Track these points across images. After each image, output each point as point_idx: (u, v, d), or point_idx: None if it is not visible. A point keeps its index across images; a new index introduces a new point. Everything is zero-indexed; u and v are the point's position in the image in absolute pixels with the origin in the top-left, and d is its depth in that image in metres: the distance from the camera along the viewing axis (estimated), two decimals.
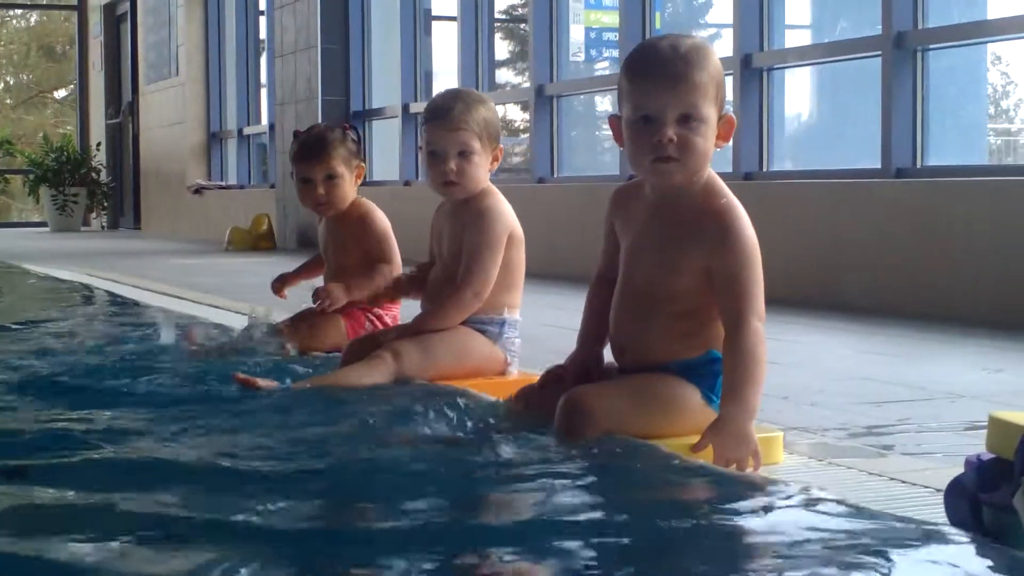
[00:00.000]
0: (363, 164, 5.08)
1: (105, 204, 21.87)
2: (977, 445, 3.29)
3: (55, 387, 4.01)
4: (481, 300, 4.07)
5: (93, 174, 21.43)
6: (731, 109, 3.08)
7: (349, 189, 4.98)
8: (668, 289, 3.09)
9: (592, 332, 3.30)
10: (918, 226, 6.52)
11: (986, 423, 3.58)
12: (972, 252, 6.20)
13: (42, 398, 3.85)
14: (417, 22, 12.80)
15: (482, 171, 4.12)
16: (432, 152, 4.11)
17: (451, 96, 4.19)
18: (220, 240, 15.10)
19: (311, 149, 4.97)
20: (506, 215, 4.13)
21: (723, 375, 2.99)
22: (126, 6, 21.70)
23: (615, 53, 13.25)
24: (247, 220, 14.78)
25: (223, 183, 17.80)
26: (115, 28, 22.50)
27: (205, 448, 3.14)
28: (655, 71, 3.00)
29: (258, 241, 14.23)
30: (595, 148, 13.11)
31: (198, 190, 17.69)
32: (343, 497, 2.73)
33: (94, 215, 22.29)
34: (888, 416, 3.74)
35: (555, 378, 3.30)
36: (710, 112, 3.00)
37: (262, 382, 3.88)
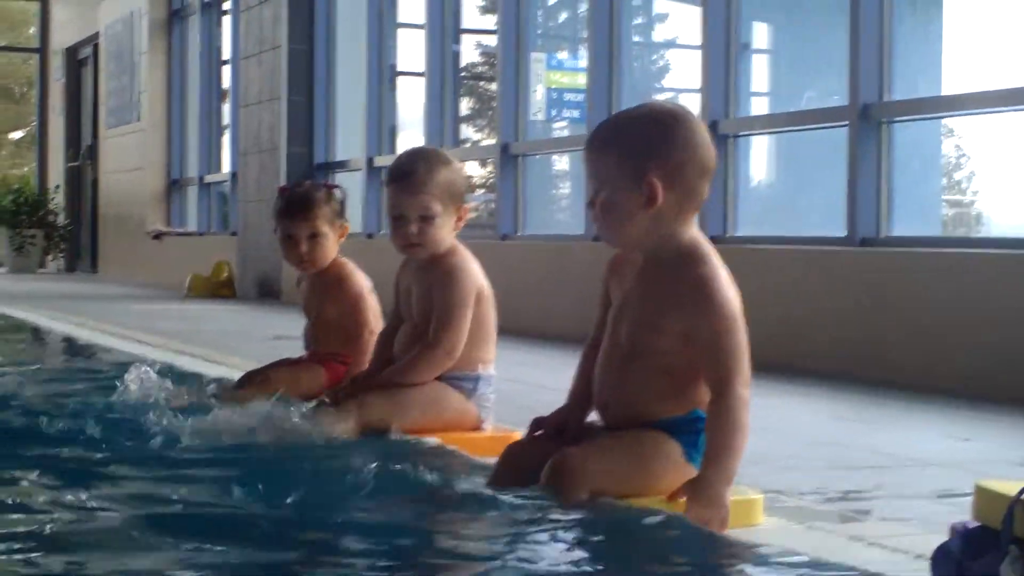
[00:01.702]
0: (347, 224, 5.11)
1: (62, 247, 21.80)
2: (951, 512, 3.36)
3: (21, 433, 4.00)
4: (454, 359, 4.11)
5: (51, 216, 21.36)
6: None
7: (331, 248, 5.01)
8: (649, 346, 3.14)
9: (580, 392, 3.35)
10: (882, 294, 6.61)
11: (959, 492, 3.67)
12: (934, 321, 6.28)
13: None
14: (383, 77, 12.88)
15: (444, 232, 4.16)
16: (395, 216, 4.15)
17: (413, 158, 4.23)
18: (178, 286, 15.07)
19: (296, 207, 4.99)
20: (473, 272, 4.18)
21: (706, 437, 3.04)
22: (88, 51, 21.71)
23: (575, 113, 13.38)
24: (206, 267, 14.77)
25: (183, 230, 17.79)
26: (76, 72, 22.48)
27: (149, 500, 3.14)
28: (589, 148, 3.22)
29: (218, 288, 14.23)
30: (551, 207, 13.19)
31: (157, 235, 17.67)
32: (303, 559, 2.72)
33: (50, 257, 22.21)
34: (862, 482, 3.80)
35: (535, 428, 3.36)
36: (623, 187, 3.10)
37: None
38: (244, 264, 14.36)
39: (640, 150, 3.12)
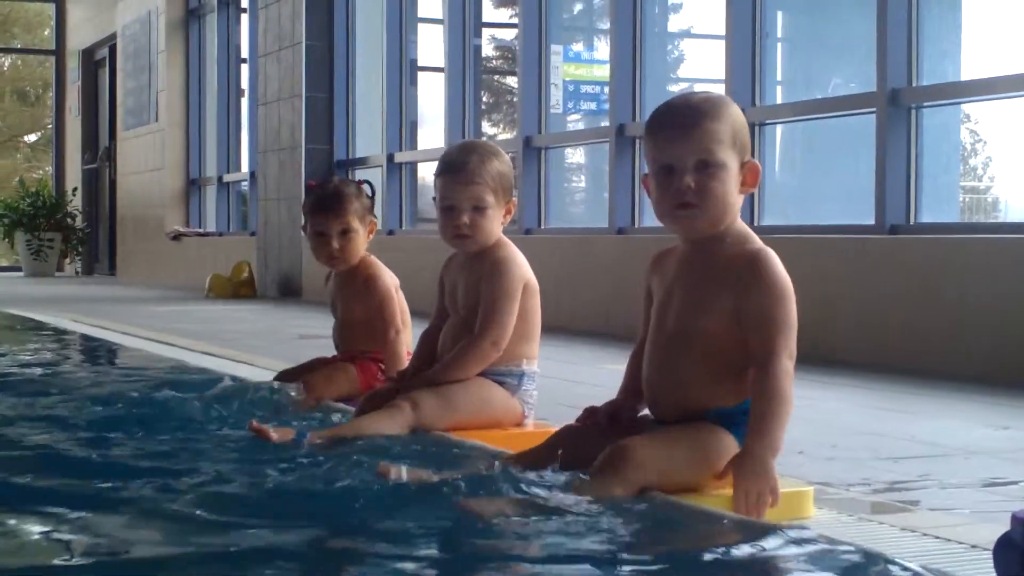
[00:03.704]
0: (376, 220, 5.09)
1: (80, 250, 21.84)
2: (1001, 502, 3.34)
3: (70, 435, 3.98)
4: (500, 350, 4.07)
5: (68, 219, 21.38)
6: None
7: (361, 244, 4.98)
8: (696, 330, 3.12)
9: (630, 386, 3.34)
10: (912, 283, 6.57)
11: (1006, 480, 3.64)
12: (966, 309, 6.25)
13: (55, 446, 3.84)
14: (403, 72, 12.86)
15: (495, 224, 4.14)
16: (446, 206, 4.12)
17: (466, 149, 4.20)
18: (198, 287, 15.09)
19: (327, 203, 4.97)
20: (521, 265, 4.15)
21: (751, 410, 3.01)
22: (104, 52, 21.73)
23: (592, 106, 13.35)
24: (226, 267, 14.78)
25: (202, 230, 17.79)
26: (93, 73, 22.51)
27: (209, 500, 3.12)
28: (669, 122, 3.13)
29: (239, 288, 14.23)
30: (565, 200, 13.17)
31: (176, 236, 17.68)
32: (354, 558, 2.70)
33: (68, 260, 22.25)
34: (907, 472, 3.77)
35: (587, 418, 3.34)
36: (727, 157, 3.06)
37: (275, 433, 3.87)
38: (264, 263, 14.36)
39: (741, 132, 3.11)
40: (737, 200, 3.12)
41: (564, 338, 8.10)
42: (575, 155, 13.05)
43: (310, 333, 8.56)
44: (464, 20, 11.85)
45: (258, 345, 7.88)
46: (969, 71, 7.46)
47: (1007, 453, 4.16)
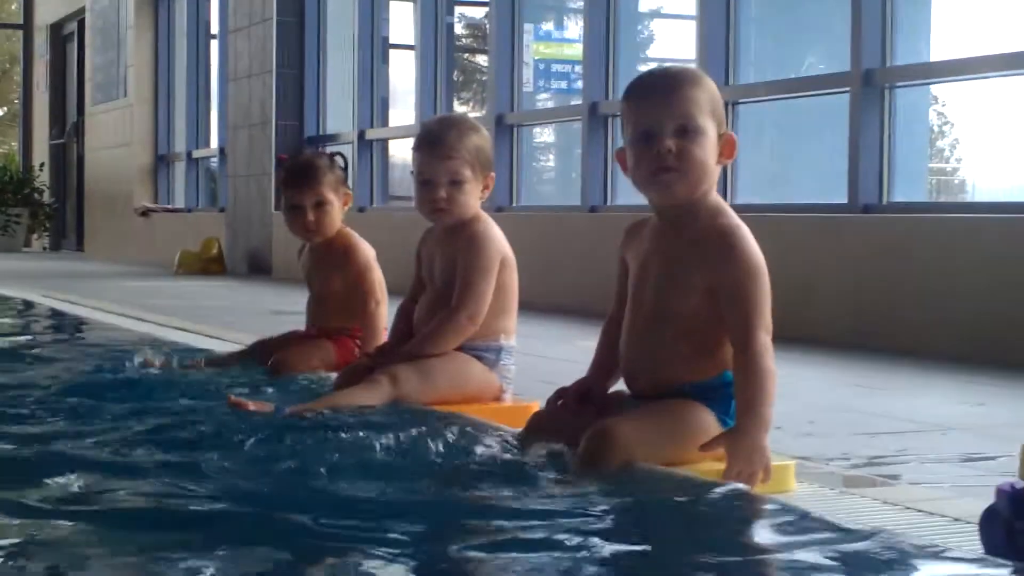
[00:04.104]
0: (350, 192, 5.07)
1: (47, 225, 21.73)
2: (980, 476, 3.37)
3: (50, 410, 3.96)
4: (476, 324, 4.07)
5: (36, 194, 21.27)
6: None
7: (337, 216, 4.96)
8: (675, 307, 3.13)
9: (602, 363, 3.34)
10: (886, 261, 6.59)
11: (984, 455, 3.67)
12: (940, 288, 6.27)
13: (33, 420, 3.83)
14: (375, 49, 12.82)
15: (472, 198, 4.13)
16: (424, 180, 4.11)
17: (444, 123, 4.19)
18: (167, 263, 15.03)
19: (300, 175, 4.94)
20: (498, 239, 4.14)
21: (736, 390, 3.02)
22: (73, 26, 21.60)
23: (563, 84, 13.34)
24: (195, 243, 14.72)
25: (171, 206, 17.72)
26: (61, 48, 22.39)
27: (190, 472, 3.11)
28: (650, 89, 3.16)
29: (208, 265, 14.19)
30: (533, 179, 13.18)
31: (145, 212, 17.60)
32: (337, 530, 2.69)
33: (36, 236, 22.13)
34: (885, 447, 3.79)
35: (557, 398, 3.34)
36: (707, 124, 3.07)
37: (254, 405, 3.86)
38: (234, 239, 14.32)
39: (718, 104, 3.12)
40: (715, 170, 3.12)
41: (536, 315, 8.10)
42: (543, 134, 13.04)
43: (283, 309, 8.54)
44: None
45: (232, 321, 7.86)
46: (938, 52, 7.48)
47: (983, 429, 4.18)
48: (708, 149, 3.08)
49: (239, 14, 14.25)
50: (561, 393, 3.35)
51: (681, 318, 3.12)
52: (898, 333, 6.44)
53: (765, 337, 3.03)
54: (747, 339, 3.01)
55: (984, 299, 6.06)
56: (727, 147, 3.12)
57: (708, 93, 3.10)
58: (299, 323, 5.24)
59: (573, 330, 7.42)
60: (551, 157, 14.20)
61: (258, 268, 13.74)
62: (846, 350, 6.36)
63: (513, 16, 10.73)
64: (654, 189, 3.13)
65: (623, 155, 3.18)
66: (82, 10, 20.51)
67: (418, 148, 4.13)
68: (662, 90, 3.10)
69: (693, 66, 3.26)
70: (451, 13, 12.29)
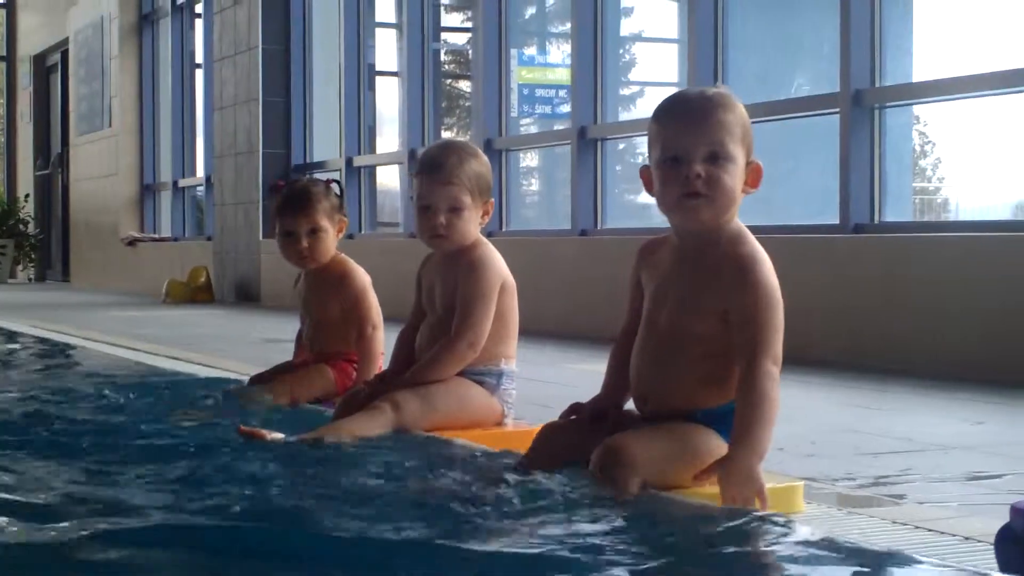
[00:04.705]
0: (345, 218, 5.07)
1: (32, 256, 21.69)
2: (987, 494, 3.37)
3: (51, 445, 3.93)
4: (476, 351, 4.07)
5: (21, 225, 21.24)
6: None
7: (331, 243, 4.96)
8: (689, 332, 3.12)
9: (614, 382, 3.32)
10: (879, 281, 6.61)
11: (988, 474, 3.67)
12: (934, 307, 6.28)
13: (33, 456, 3.80)
14: (361, 76, 12.83)
15: (472, 225, 4.13)
16: (423, 206, 4.11)
17: (444, 149, 4.19)
18: (154, 293, 15.00)
19: (295, 202, 4.94)
20: (498, 265, 4.15)
21: (735, 414, 3.01)
22: (56, 57, 21.60)
23: (547, 109, 13.37)
24: (182, 273, 14.71)
25: (157, 235, 17.70)
26: (45, 79, 22.37)
27: (209, 504, 3.10)
28: (683, 112, 3.11)
29: (196, 294, 14.16)
30: (516, 203, 13.21)
31: (132, 242, 17.57)
32: (343, 558, 2.67)
33: (21, 267, 22.08)
34: (889, 467, 3.78)
35: (571, 413, 3.33)
36: (737, 152, 3.05)
37: (268, 434, 3.85)
38: (222, 268, 14.30)
39: (749, 130, 3.10)
40: (739, 197, 3.11)
41: (527, 340, 8.06)
42: (527, 159, 13.06)
43: (275, 337, 8.53)
44: (423, 24, 11.84)
45: (224, 349, 7.85)
46: (920, 72, 7.50)
47: (986, 448, 4.18)
48: (736, 177, 3.07)
49: (224, 43, 14.26)
50: (575, 409, 3.34)
51: (696, 343, 3.11)
52: (892, 353, 6.45)
53: (771, 366, 3.02)
54: (753, 366, 3.00)
55: (978, 318, 6.07)
56: (753, 175, 3.11)
57: (740, 119, 3.08)
58: (291, 351, 5.22)
59: (565, 353, 7.42)
60: (533, 181, 14.23)
61: (246, 296, 13.72)
62: (840, 370, 6.36)
63: (500, 41, 10.75)
64: (680, 214, 3.12)
65: (648, 174, 3.17)
66: (65, 41, 20.51)
67: (418, 174, 4.13)
68: (695, 114, 3.07)
69: (724, 88, 3.22)
70: (437, 39, 12.31)
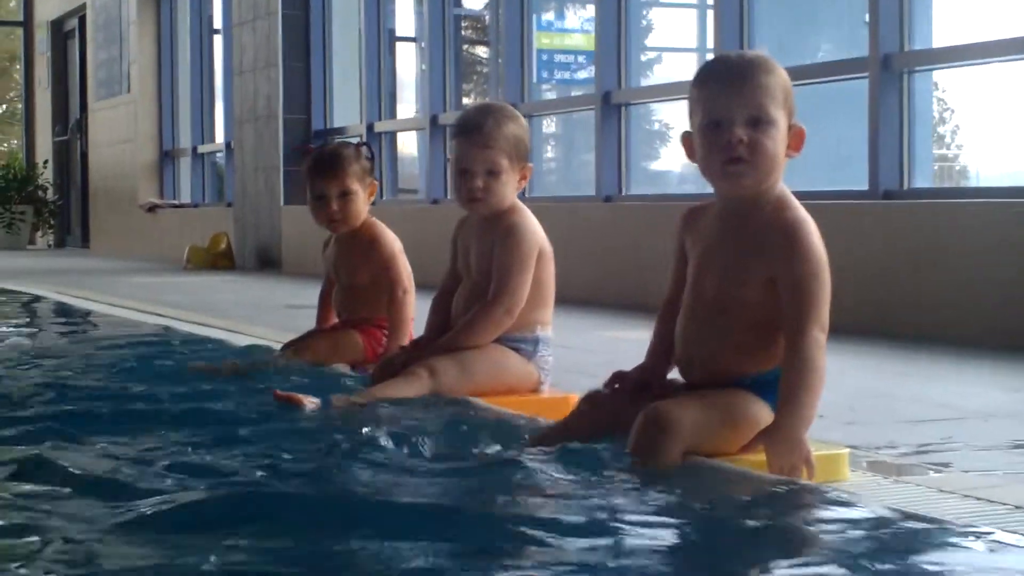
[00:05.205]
0: (376, 182, 5.04)
1: (52, 222, 21.69)
2: None
3: (86, 411, 3.91)
4: (513, 317, 4.05)
5: (40, 192, 21.24)
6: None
7: (362, 206, 4.93)
8: (737, 299, 3.09)
9: (660, 349, 3.29)
10: (908, 248, 6.56)
11: None
12: (965, 274, 6.24)
13: (69, 419, 3.78)
14: (381, 42, 12.78)
15: (509, 188, 4.10)
16: (460, 169, 4.08)
17: (482, 111, 4.15)
18: (174, 259, 14.99)
19: (325, 165, 4.91)
20: (535, 231, 4.12)
21: (781, 382, 2.98)
22: (74, 23, 21.54)
23: (566, 75, 13.32)
24: (202, 239, 14.69)
25: (177, 201, 17.68)
26: (62, 44, 22.32)
27: (246, 465, 3.09)
28: (723, 76, 3.08)
29: (217, 260, 14.15)
30: (538, 169, 13.18)
31: (151, 208, 17.56)
32: (376, 524, 2.64)
33: (40, 233, 22.09)
34: (930, 435, 3.75)
35: (614, 381, 3.30)
36: (779, 116, 3.02)
37: (305, 399, 3.83)
38: (242, 234, 14.27)
39: (790, 94, 3.07)
40: (783, 162, 3.08)
41: (556, 307, 8.07)
42: (546, 125, 13.02)
43: (297, 303, 8.51)
44: None
45: (249, 315, 7.83)
46: (940, 39, 7.42)
47: None
48: (779, 141, 3.03)
49: (244, 8, 14.20)
50: (618, 377, 3.30)
51: (743, 308, 3.08)
52: (923, 320, 6.40)
53: (819, 334, 3.00)
54: (800, 333, 2.98)
55: (1011, 284, 6.02)
56: (795, 139, 3.08)
57: (781, 82, 3.05)
58: (314, 316, 5.19)
59: (594, 320, 7.39)
60: (548, 148, 14.17)
61: (267, 263, 13.70)
62: (872, 337, 6.32)
63: (522, 7, 10.69)
64: (723, 179, 3.08)
65: (689, 140, 3.13)
66: (83, 6, 20.45)
67: (455, 136, 4.10)
68: (736, 78, 3.03)
69: (764, 52, 3.17)
70: (459, 5, 12.25)
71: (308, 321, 5.35)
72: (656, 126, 13.31)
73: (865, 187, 7.18)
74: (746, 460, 2.98)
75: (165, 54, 18.04)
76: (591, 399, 3.33)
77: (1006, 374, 5.14)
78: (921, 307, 6.44)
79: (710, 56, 8.59)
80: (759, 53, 3.11)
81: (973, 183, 9.73)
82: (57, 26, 22.34)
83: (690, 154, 3.14)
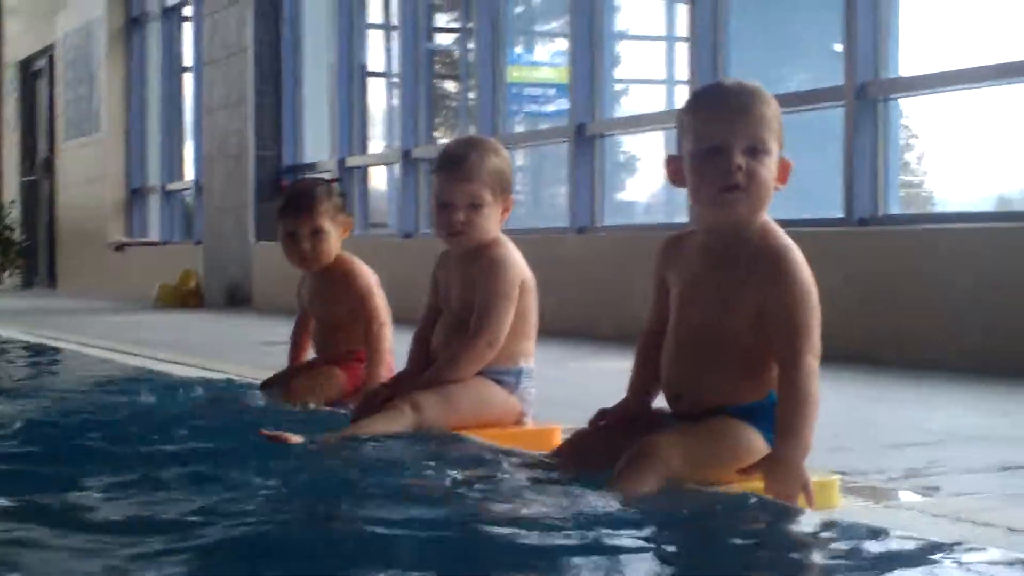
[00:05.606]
0: (351, 217, 5.00)
1: (19, 263, 21.57)
2: (1022, 484, 3.32)
3: (69, 449, 3.86)
4: (495, 350, 4.01)
5: (7, 232, 21.13)
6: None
7: (334, 244, 4.87)
8: (724, 329, 3.06)
9: (641, 383, 3.27)
10: (884, 274, 6.57)
11: (1019, 464, 3.62)
12: (943, 299, 6.24)
13: (53, 460, 3.73)
14: (353, 78, 12.77)
15: (492, 222, 4.06)
16: (442, 202, 4.05)
17: (465, 145, 4.12)
18: (143, 297, 14.89)
19: (297, 203, 4.87)
20: (517, 264, 4.08)
21: (777, 411, 2.96)
22: (43, 62, 21.48)
23: (534, 108, 13.34)
24: (171, 277, 14.60)
25: (145, 239, 17.61)
26: (32, 84, 22.25)
27: (233, 508, 3.04)
28: (723, 103, 3.05)
29: (186, 298, 14.08)
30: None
31: (120, 247, 17.48)
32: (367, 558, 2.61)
33: (8, 274, 21.96)
34: (917, 459, 3.74)
35: (600, 419, 3.28)
36: (774, 147, 3.01)
37: (290, 437, 3.79)
38: (211, 272, 14.21)
39: (781, 125, 3.06)
40: (772, 193, 3.06)
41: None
42: (516, 157, 13.01)
43: (272, 339, 8.45)
44: (416, 25, 11.78)
45: (222, 352, 7.78)
46: (907, 67, 7.45)
47: (1014, 439, 4.15)
48: (773, 171, 3.02)
49: (215, 45, 14.18)
50: (603, 414, 3.28)
51: (730, 339, 3.06)
52: (903, 346, 6.40)
53: (812, 360, 2.99)
54: (794, 361, 2.96)
55: (986, 309, 6.03)
56: (782, 171, 3.06)
57: (775, 113, 3.04)
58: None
59: (564, 352, 7.35)
60: (517, 180, 14.18)
61: (237, 300, 13.63)
62: (852, 363, 6.31)
63: (494, 41, 10.70)
64: (717, 207, 3.05)
65: (674, 165, 3.11)
66: (52, 46, 20.40)
67: (437, 170, 4.06)
68: (737, 106, 3.01)
69: (756, 82, 3.16)
70: (430, 40, 12.26)
71: (283, 358, 5.30)
72: (622, 157, 13.34)
73: (839, 214, 7.18)
74: (745, 487, 2.96)
75: (135, 92, 17.99)
76: (576, 439, 3.31)
77: (992, 398, 5.14)
78: (899, 333, 6.45)
79: (682, 87, 8.62)
80: (754, 83, 3.10)
81: (939, 208, 9.76)
82: (25, 66, 22.28)
83: (674, 179, 3.12)
